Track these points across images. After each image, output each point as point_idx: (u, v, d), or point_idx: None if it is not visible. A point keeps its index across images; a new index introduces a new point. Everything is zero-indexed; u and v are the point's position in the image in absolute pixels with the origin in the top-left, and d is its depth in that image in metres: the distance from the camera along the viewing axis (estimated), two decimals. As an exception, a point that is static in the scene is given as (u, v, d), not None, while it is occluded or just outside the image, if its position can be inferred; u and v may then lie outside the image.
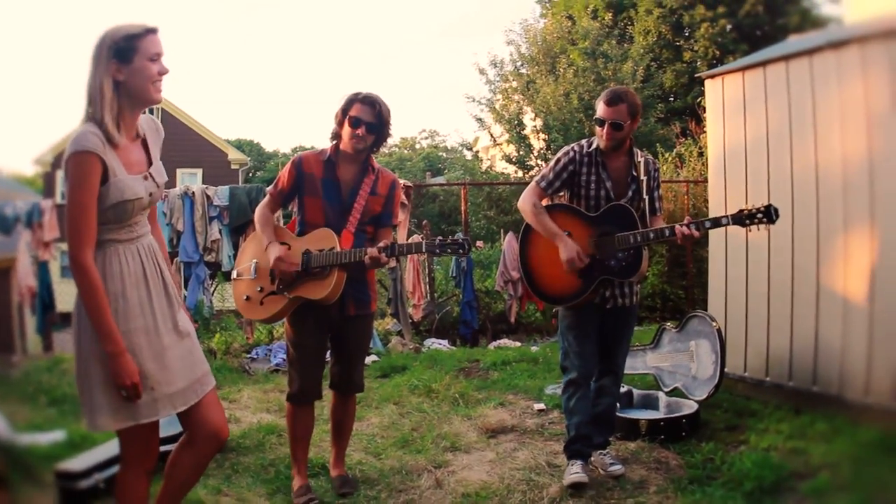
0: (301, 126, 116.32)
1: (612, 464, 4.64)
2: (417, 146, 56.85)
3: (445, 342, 10.28)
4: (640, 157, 4.59)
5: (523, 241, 4.75)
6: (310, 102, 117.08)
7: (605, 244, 4.42)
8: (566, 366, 4.75)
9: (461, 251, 4.15)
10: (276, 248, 4.21)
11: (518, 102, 22.12)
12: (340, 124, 4.26)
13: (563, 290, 4.56)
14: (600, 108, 4.49)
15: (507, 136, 21.86)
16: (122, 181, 2.93)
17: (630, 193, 4.55)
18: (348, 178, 4.32)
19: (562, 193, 4.70)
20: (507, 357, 8.25)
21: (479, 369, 7.86)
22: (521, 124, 21.51)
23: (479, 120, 23.20)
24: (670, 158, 14.84)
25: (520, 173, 20.67)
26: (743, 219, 4.17)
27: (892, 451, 4.44)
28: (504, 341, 10.24)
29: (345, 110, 4.22)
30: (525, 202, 4.63)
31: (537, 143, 20.98)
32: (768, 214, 4.13)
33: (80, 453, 4.52)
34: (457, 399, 6.46)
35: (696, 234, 4.25)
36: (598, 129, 4.53)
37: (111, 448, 4.40)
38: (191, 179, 28.67)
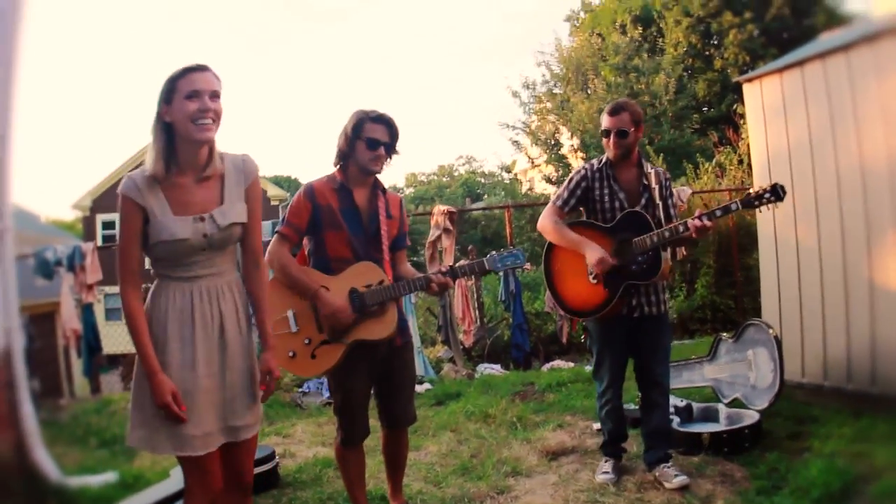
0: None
1: (676, 475, 4.58)
2: (455, 173, 56.99)
3: (498, 366, 10.23)
4: (650, 168, 4.73)
5: (546, 260, 4.87)
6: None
7: (625, 250, 4.53)
8: (597, 377, 4.91)
9: (519, 262, 4.07)
10: (332, 300, 3.91)
11: (553, 122, 22.16)
12: (352, 146, 4.01)
13: (590, 302, 4.67)
14: (605, 120, 4.69)
15: (544, 157, 21.88)
16: (160, 222, 2.98)
17: (643, 202, 4.67)
18: (364, 203, 4.09)
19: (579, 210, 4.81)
20: (561, 378, 8.19)
21: (535, 392, 7.82)
22: (557, 144, 21.54)
23: (516, 143, 23.30)
24: (710, 168, 14.71)
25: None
26: (752, 201, 4.31)
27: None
28: (557, 362, 10.16)
29: (356, 130, 3.99)
30: (545, 220, 4.79)
31: (576, 163, 20.97)
32: (775, 193, 4.25)
33: (133, 494, 4.55)
34: (514, 423, 6.43)
35: (709, 224, 4.34)
36: (605, 140, 4.72)
37: (164, 487, 4.43)
38: (233, 220, 28.85)
